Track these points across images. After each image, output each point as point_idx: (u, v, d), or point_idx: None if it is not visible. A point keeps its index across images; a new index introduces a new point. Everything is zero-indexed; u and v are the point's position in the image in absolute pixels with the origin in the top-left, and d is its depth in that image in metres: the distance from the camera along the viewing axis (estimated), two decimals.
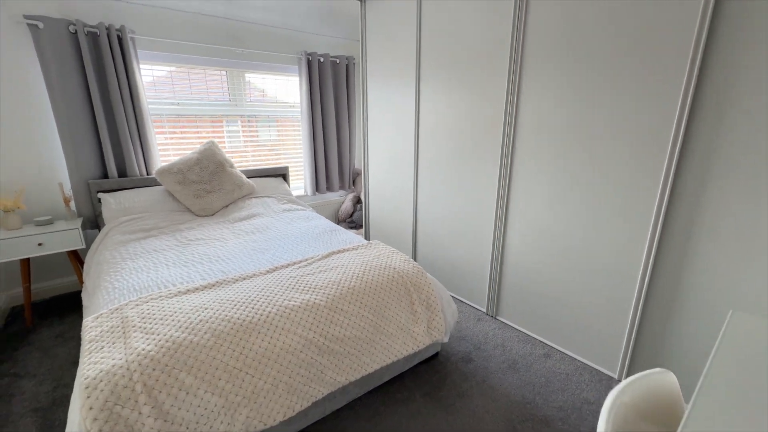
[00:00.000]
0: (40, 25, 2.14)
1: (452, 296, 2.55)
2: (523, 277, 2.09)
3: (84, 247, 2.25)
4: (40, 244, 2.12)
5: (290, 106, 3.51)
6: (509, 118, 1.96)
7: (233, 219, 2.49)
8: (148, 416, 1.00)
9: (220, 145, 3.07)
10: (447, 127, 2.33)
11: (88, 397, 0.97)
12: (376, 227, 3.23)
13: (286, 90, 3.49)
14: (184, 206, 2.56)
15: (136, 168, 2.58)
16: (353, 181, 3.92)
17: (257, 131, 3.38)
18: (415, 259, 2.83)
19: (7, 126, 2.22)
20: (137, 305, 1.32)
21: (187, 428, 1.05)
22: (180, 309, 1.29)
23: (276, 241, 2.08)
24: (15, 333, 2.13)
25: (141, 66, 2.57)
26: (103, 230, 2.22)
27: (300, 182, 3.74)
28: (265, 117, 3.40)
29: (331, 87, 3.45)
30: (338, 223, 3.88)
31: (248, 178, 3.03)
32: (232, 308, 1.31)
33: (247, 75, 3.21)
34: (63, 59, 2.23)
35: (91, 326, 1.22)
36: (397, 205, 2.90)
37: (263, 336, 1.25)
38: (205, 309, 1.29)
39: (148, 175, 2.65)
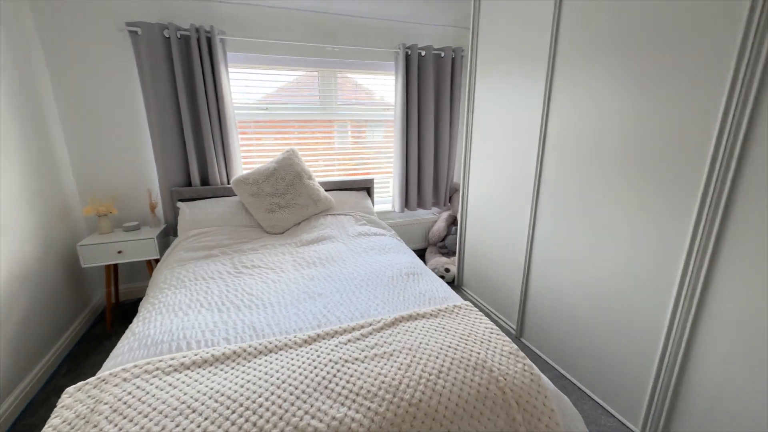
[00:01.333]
0: (139, 31, 2.12)
1: (593, 399, 1.72)
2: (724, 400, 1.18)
3: (159, 258, 2.18)
4: (119, 252, 2.10)
5: (384, 109, 3.07)
6: (732, 128, 1.09)
7: (300, 242, 2.14)
8: None
9: (303, 153, 2.81)
10: (600, 139, 1.53)
11: None
12: (472, 259, 2.55)
13: (381, 90, 3.06)
14: (256, 221, 2.33)
15: (218, 176, 2.46)
16: (449, 198, 3.28)
17: (347, 137, 3.04)
18: (521, 328, 2.07)
19: (107, 132, 2.29)
20: (124, 380, 0.98)
21: None
22: (165, 401, 0.91)
23: (336, 282, 1.62)
24: (95, 336, 2.16)
25: (229, 69, 2.43)
26: (173, 243, 2.10)
27: (387, 195, 3.28)
28: (356, 121, 3.03)
29: (432, 85, 2.88)
30: (428, 246, 3.30)
31: (327, 190, 2.69)
32: (226, 420, 0.86)
33: (339, 75, 2.87)
34: (156, 64, 2.19)
35: (61, 406, 0.93)
36: (503, 237, 2.17)
37: None
38: (193, 412, 0.88)
39: (228, 184, 2.51)
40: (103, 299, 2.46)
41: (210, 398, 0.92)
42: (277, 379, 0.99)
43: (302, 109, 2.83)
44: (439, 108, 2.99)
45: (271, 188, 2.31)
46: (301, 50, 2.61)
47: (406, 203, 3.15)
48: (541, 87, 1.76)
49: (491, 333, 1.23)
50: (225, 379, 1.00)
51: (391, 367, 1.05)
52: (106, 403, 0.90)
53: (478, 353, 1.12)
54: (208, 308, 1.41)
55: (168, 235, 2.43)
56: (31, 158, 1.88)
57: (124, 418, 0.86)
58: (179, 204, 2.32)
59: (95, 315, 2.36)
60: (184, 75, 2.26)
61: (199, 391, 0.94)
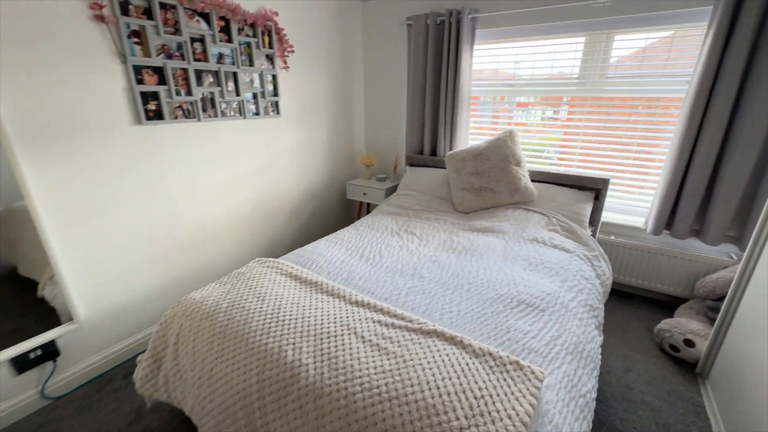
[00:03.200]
0: (412, 23, 2.61)
1: None
2: None
3: None
4: (364, 194, 2.94)
5: (674, 83, 2.09)
6: None
7: (469, 226, 2.10)
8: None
9: (545, 135, 2.52)
10: None
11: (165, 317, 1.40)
12: (743, 345, 1.50)
13: (678, 54, 2.07)
14: (450, 196, 2.47)
15: (442, 148, 2.73)
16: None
17: (610, 118, 2.36)
18: None
19: (384, 107, 3.07)
20: (269, 267, 1.59)
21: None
22: (266, 288, 1.43)
23: (447, 274, 1.57)
24: None
25: (477, 46, 2.50)
26: (389, 197, 2.67)
27: (642, 205, 2.32)
28: (622, 99, 2.28)
29: None
30: (689, 298, 2.14)
31: (537, 181, 2.32)
32: (291, 327, 1.26)
33: (617, 37, 2.21)
34: (417, 51, 2.64)
35: (248, 265, 1.66)
36: None
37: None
38: (261, 301, 1.34)
39: None
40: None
41: (287, 304, 1.35)
42: (332, 314, 1.26)
43: (554, 85, 2.46)
44: None
45: (472, 167, 2.33)
46: (561, 14, 2.22)
47: (668, 224, 2.14)
48: None
49: None
50: (296, 303, 1.38)
51: (383, 361, 1.05)
52: (249, 272, 1.55)
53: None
54: (347, 248, 1.83)
55: (395, 190, 3.06)
56: (337, 121, 2.93)
57: (249, 279, 1.46)
58: (407, 168, 2.84)
59: None
60: (434, 58, 2.58)
61: (284, 296, 1.40)
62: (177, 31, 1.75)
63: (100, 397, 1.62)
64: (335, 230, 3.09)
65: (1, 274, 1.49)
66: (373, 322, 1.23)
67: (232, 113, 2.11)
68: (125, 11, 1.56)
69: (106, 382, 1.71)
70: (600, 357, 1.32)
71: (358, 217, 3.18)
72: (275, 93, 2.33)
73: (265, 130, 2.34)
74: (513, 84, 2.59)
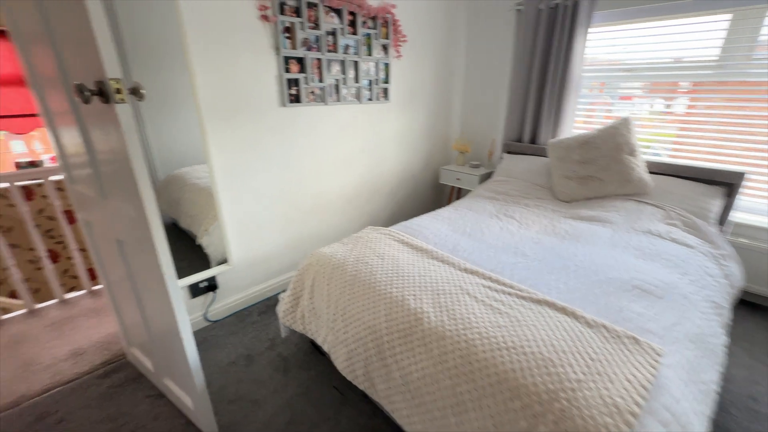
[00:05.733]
0: (522, 8, 2.59)
1: None
2: None
3: None
4: (458, 179, 3.04)
5: None
6: None
7: (573, 214, 2.07)
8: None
9: (679, 124, 2.35)
10: None
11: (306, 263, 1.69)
12: None
13: None
14: (550, 184, 2.43)
15: (543, 136, 2.69)
16: None
17: (751, 105, 2.10)
18: None
19: (484, 91, 3.10)
20: (381, 233, 1.81)
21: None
22: (384, 250, 1.64)
23: (549, 254, 1.62)
24: None
25: (592, 29, 2.40)
26: (484, 183, 2.73)
27: None
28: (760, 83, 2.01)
29: None
30: None
31: (654, 173, 2.17)
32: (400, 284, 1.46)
33: None
34: (525, 36, 2.61)
35: (363, 231, 1.90)
36: None
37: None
38: (382, 259, 1.55)
39: None
40: None
41: (403, 264, 1.55)
42: (445, 277, 1.44)
43: (679, 69, 2.25)
44: None
45: (579, 156, 2.27)
46: None
47: None
48: None
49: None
50: (411, 264, 1.57)
51: (497, 318, 1.18)
52: (366, 236, 1.78)
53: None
54: (449, 224, 1.97)
55: (489, 177, 3.08)
56: (436, 108, 3.06)
57: (367, 242, 1.69)
58: (504, 155, 2.85)
59: None
60: (543, 43, 2.53)
61: (399, 258, 1.60)
62: (316, 26, 2.03)
63: (243, 326, 2.03)
64: (427, 212, 3.25)
65: (166, 226, 1.94)
66: (484, 287, 1.35)
67: (351, 98, 2.37)
68: (282, 11, 1.88)
69: (245, 315, 2.12)
70: (725, 357, 1.26)
71: (448, 202, 3.29)
72: (386, 80, 2.54)
73: (374, 114, 2.57)
74: (632, 68, 2.42)
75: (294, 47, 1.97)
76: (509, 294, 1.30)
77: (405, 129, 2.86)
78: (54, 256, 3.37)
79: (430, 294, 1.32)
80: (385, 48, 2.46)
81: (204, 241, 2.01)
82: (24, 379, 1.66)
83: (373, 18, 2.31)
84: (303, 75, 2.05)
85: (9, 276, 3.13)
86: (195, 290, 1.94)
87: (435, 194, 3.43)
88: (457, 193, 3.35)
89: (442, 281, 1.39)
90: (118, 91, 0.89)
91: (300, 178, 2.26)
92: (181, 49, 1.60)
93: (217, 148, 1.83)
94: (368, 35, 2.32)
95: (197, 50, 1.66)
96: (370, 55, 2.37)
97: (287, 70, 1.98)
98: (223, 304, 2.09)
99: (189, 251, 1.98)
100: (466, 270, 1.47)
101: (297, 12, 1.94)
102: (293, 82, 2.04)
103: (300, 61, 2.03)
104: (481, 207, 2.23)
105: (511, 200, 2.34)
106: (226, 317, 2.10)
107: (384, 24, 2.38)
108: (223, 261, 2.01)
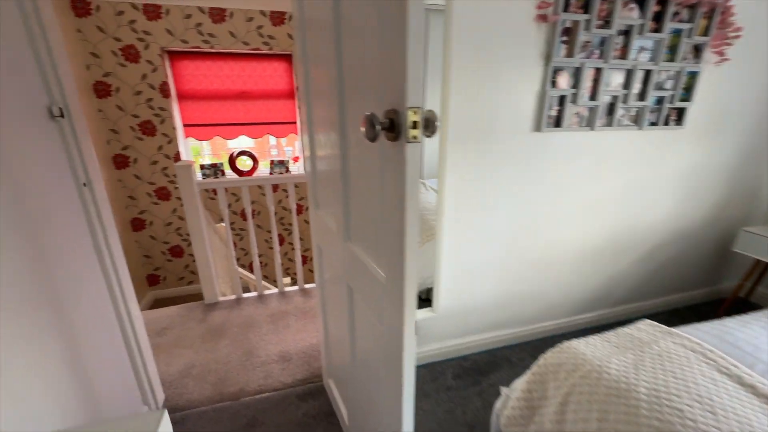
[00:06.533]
0: None
1: None
2: None
3: None
4: None
5: None
6: None
7: None
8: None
9: None
10: None
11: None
12: None
13: None
14: None
15: None
16: None
17: None
18: None
19: None
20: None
21: None
22: None
23: None
24: (704, 312, 2.26)
25: None
26: None
27: None
28: None
29: None
30: None
31: None
32: None
33: None
34: None
35: (634, 327, 1.25)
36: None
37: None
38: None
39: None
40: (730, 287, 2.40)
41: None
42: None
43: None
44: None
45: None
46: None
47: None
48: None
49: None
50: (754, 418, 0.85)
51: None
52: (650, 341, 1.12)
53: None
54: None
55: None
56: (754, 137, 1.98)
57: (659, 356, 1.05)
58: None
59: (709, 295, 2.39)
60: None
61: (726, 406, 0.90)
62: (606, 23, 1.47)
63: (435, 388, 1.70)
64: (698, 290, 2.23)
65: None
66: None
67: (627, 121, 1.70)
68: (566, 8, 1.41)
69: (438, 372, 1.79)
70: None
71: (744, 281, 2.13)
72: (686, 96, 1.73)
73: (655, 144, 1.80)
74: None
75: (570, 54, 1.48)
76: None
77: (696, 167, 1.94)
78: (281, 240, 4.00)
79: None
80: (697, 49, 1.66)
81: None
82: (244, 371, 1.80)
83: (692, 6, 1.56)
84: (573, 90, 1.53)
85: (269, 261, 3.89)
86: None
87: (717, 266, 2.31)
88: (762, 272, 2.14)
89: None
90: (414, 125, 0.61)
91: (532, 221, 1.75)
92: (441, 65, 1.36)
93: (452, 174, 1.54)
94: (677, 32, 1.59)
95: (458, 64, 1.38)
96: (672, 60, 1.63)
97: (553, 85, 1.51)
98: (418, 351, 1.82)
99: None
100: None
101: (585, 8, 1.43)
102: (557, 101, 1.55)
103: (574, 72, 1.51)
104: None
105: None
106: (419, 366, 1.82)
107: (707, 14, 1.59)
108: (422, 298, 1.74)
